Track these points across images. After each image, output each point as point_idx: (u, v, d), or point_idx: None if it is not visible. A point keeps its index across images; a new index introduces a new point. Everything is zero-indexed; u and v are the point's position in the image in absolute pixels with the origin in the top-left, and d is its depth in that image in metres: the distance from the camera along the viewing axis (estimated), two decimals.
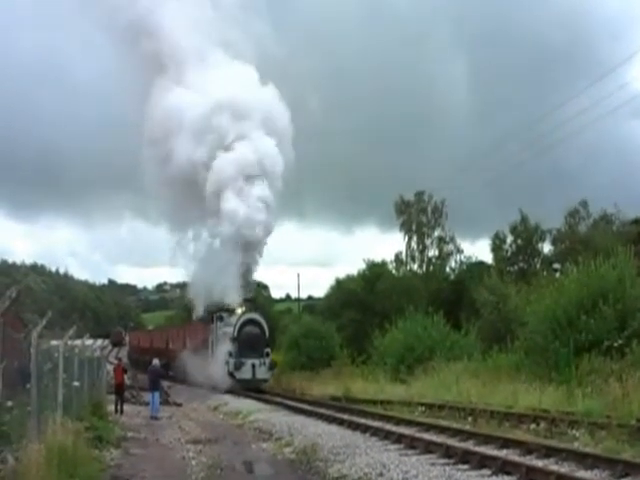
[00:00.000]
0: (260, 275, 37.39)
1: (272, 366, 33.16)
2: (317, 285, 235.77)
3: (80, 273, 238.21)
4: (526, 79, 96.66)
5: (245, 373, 31.82)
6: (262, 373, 32.33)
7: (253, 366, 31.95)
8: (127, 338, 70.00)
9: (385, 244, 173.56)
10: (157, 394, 23.76)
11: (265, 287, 76.18)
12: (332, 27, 78.74)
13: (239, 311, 34.09)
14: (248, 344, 32.42)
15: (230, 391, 31.25)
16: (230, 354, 32.37)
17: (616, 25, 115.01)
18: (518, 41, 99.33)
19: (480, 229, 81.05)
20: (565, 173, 74.14)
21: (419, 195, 57.26)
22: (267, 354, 32.97)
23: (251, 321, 33.44)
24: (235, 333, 32.79)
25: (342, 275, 57.28)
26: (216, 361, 33.48)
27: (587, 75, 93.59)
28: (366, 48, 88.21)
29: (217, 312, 35.29)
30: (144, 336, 60.17)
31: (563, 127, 43.53)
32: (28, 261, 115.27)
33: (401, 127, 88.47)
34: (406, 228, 57.32)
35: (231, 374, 31.95)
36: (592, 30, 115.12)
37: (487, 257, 55.72)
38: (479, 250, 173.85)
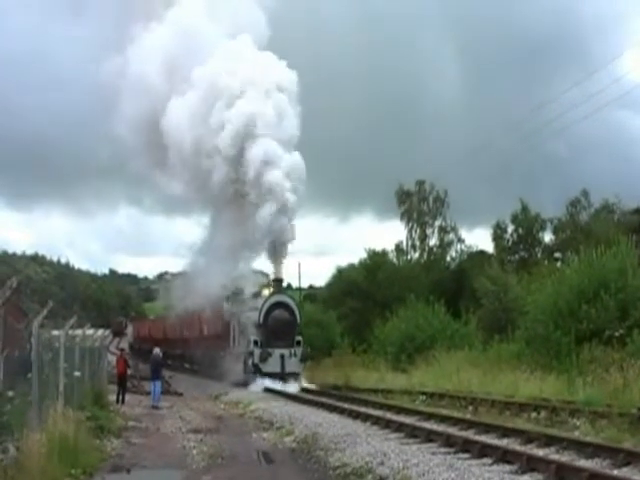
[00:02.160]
0: (261, 264, 35.31)
1: (304, 357, 28.34)
2: (317, 274, 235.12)
3: (80, 264, 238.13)
4: (524, 72, 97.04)
5: (273, 366, 27.21)
6: (292, 366, 27.51)
7: (282, 357, 27.28)
8: (129, 328, 69.09)
9: (383, 232, 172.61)
10: (158, 383, 23.79)
11: (267, 276, 75.90)
12: (329, 21, 78.70)
13: (265, 293, 29.59)
14: (276, 331, 27.79)
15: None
16: (255, 343, 27.89)
17: (607, 19, 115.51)
18: (515, 35, 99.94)
19: (477, 218, 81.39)
20: (562, 165, 74.34)
21: (420, 184, 57.20)
22: (298, 343, 28.06)
23: (280, 304, 28.53)
24: (261, 319, 28.04)
25: (342, 264, 57.36)
26: (238, 352, 29.77)
27: (582, 68, 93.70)
28: (366, 38, 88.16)
29: (238, 294, 31.01)
30: (154, 325, 54.39)
31: (558, 120, 43.61)
32: (29, 252, 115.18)
33: (397, 116, 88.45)
34: (407, 217, 57.32)
35: (256, 366, 27.52)
36: (584, 24, 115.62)
37: (487, 246, 55.78)
38: (476, 238, 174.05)
